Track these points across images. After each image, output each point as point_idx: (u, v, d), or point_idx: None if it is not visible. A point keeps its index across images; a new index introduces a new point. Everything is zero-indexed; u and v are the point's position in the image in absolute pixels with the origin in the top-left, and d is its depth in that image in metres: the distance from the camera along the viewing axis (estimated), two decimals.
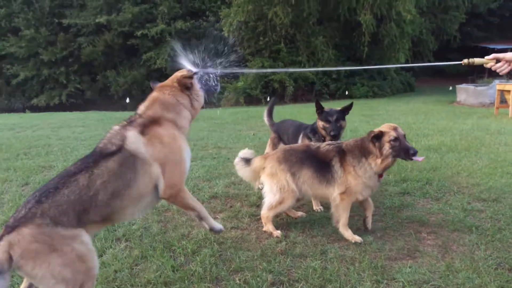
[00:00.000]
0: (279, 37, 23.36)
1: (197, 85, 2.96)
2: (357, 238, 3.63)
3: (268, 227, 3.86)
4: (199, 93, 2.97)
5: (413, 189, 5.00)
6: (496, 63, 3.02)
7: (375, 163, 3.61)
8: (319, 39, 23.01)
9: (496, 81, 17.81)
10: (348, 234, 3.70)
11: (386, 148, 3.55)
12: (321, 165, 3.79)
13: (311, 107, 17.73)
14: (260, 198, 4.63)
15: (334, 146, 3.85)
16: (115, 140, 2.44)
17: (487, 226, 3.89)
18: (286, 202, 3.86)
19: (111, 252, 3.39)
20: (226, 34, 24.21)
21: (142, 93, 28.29)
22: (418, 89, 28.65)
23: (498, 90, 14.28)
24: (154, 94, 2.83)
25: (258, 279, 2.96)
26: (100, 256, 3.35)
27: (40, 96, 28.94)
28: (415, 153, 3.57)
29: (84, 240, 2.13)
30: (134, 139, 2.45)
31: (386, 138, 3.57)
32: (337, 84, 24.48)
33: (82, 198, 2.18)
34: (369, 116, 13.05)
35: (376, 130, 3.68)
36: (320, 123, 4.54)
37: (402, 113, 14.29)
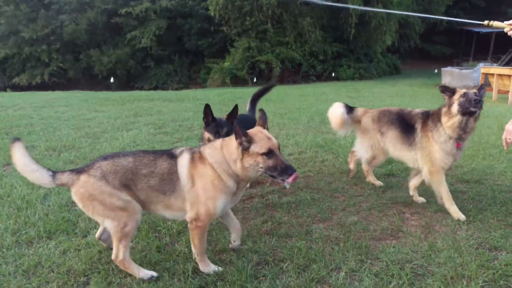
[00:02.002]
0: (266, 17, 23.10)
1: None
2: (461, 216, 3.67)
3: (369, 178, 4.61)
4: None
5: (398, 171, 5.06)
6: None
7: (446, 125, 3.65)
8: (306, 20, 22.83)
9: (481, 64, 18.00)
10: (452, 209, 3.75)
11: (455, 105, 3.58)
12: (407, 128, 4.00)
13: (297, 89, 17.72)
14: None
15: (423, 110, 4.02)
16: None
17: (469, 207, 3.96)
18: (378, 159, 4.45)
19: (95, 233, 3.36)
20: (212, 14, 23.86)
21: (126, 73, 27.88)
22: (404, 71, 28.78)
23: (483, 73, 14.45)
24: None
25: (243, 259, 2.97)
26: (84, 236, 3.33)
27: (21, 75, 28.21)
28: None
29: (125, 198, 2.62)
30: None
31: (456, 96, 3.60)
32: (323, 65, 24.43)
33: (134, 171, 2.68)
34: (355, 98, 13.08)
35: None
36: (207, 135, 3.66)
37: (388, 95, 14.36)
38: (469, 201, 4.12)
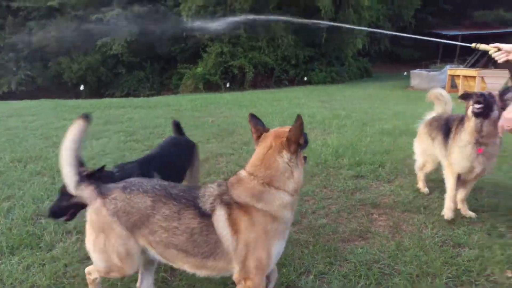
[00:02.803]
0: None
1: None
2: (447, 215, 3.74)
3: (419, 184, 4.57)
4: None
5: (366, 172, 5.13)
6: (497, 51, 3.18)
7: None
8: (279, 25, 22.98)
9: (448, 67, 18.51)
10: (447, 205, 3.79)
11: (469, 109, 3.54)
12: (448, 133, 3.98)
13: (270, 94, 17.80)
14: None
15: (461, 115, 3.88)
16: None
17: (434, 206, 4.06)
18: (427, 166, 4.49)
19: (61, 246, 3.29)
20: (185, 19, 23.75)
21: (97, 80, 27.40)
22: (375, 74, 29.30)
23: (449, 75, 14.85)
24: None
25: None
26: (49, 250, 3.25)
27: None
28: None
29: (132, 246, 2.27)
30: None
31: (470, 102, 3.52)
32: (296, 70, 24.62)
33: (146, 217, 2.23)
34: (327, 102, 13.24)
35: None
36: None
37: (359, 98, 14.58)
38: (434, 200, 4.23)
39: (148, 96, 21.84)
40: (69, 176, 2.33)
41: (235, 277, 2.20)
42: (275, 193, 2.14)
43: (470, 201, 4.13)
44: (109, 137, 7.25)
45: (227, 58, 22.96)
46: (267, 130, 2.29)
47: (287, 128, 2.19)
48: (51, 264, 3.01)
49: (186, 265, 2.26)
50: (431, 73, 18.90)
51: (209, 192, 2.22)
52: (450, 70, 15.41)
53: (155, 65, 28.17)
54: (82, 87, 18.24)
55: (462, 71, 14.49)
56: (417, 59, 31.27)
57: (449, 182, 3.85)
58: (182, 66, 25.41)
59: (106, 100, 15.09)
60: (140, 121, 9.06)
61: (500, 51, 3.16)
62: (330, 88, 19.75)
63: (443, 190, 4.43)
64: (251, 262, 2.13)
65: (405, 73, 23.06)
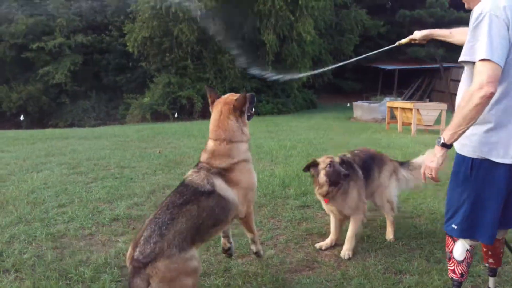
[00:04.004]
0: (185, 53, 23.28)
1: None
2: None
3: None
4: None
5: (312, 202, 5.26)
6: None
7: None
8: (226, 57, 23.35)
9: (387, 99, 19.52)
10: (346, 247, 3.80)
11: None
12: None
13: None
14: None
15: None
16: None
17: (377, 234, 4.23)
18: None
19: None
20: (130, 50, 23.57)
21: (39, 110, 26.32)
22: (320, 105, 30.28)
23: (388, 107, 15.65)
24: None
25: None
26: None
27: None
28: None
29: (197, 257, 2.59)
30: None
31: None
32: None
33: (195, 225, 2.59)
34: (274, 132, 13.50)
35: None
36: None
37: (304, 129, 14.99)
38: (377, 229, 4.41)
39: (93, 126, 21.25)
40: None
41: (241, 216, 2.98)
42: (239, 145, 2.92)
43: (409, 228, 4.35)
44: (51, 170, 6.97)
45: (175, 88, 22.91)
46: (219, 97, 3.07)
47: (235, 96, 2.97)
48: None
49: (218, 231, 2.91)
50: (372, 104, 19.82)
51: (198, 178, 2.77)
52: (388, 102, 16.25)
53: (101, 95, 27.55)
54: (22, 118, 17.42)
55: (400, 103, 15.34)
56: (358, 91, 32.73)
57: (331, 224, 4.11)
58: (129, 96, 25.03)
59: (48, 131, 14.55)
60: (84, 152, 8.80)
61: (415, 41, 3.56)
62: (277, 119, 20.17)
63: (383, 220, 4.65)
64: (249, 197, 2.98)
65: (348, 105, 24.05)
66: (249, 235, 3.21)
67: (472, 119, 2.23)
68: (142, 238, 2.46)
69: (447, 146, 2.37)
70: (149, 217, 2.67)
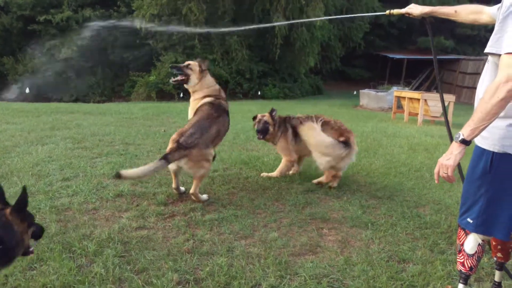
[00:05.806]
0: (193, 33, 23.09)
1: None
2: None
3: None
4: None
5: (316, 187, 5.25)
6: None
7: None
8: (234, 38, 23.17)
9: (394, 88, 19.37)
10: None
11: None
12: None
13: None
14: (169, 196, 4.56)
15: None
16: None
17: (381, 221, 4.21)
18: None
19: None
20: (138, 27, 23.39)
21: (44, 83, 26.23)
22: (326, 92, 30.13)
23: (395, 96, 15.52)
24: None
25: (163, 278, 2.90)
26: None
27: None
28: None
29: (212, 152, 4.49)
30: None
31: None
32: (250, 84, 24.84)
33: (218, 132, 4.61)
34: None
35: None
36: None
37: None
38: (381, 216, 4.39)
39: (98, 102, 21.22)
40: None
41: None
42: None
43: (414, 217, 4.33)
44: (56, 143, 6.96)
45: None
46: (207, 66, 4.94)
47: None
48: None
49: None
50: (379, 93, 19.68)
51: (223, 102, 4.91)
52: (396, 91, 16.10)
53: (107, 71, 27.43)
54: (27, 90, 17.38)
55: (407, 93, 15.19)
56: (366, 79, 32.52)
57: None
58: (135, 74, 24.93)
59: (53, 105, 14.50)
60: (89, 127, 8.77)
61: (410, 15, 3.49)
62: (282, 104, 20.06)
63: (388, 207, 4.64)
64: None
65: (355, 92, 23.93)
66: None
67: (495, 114, 2.12)
68: (188, 132, 4.28)
69: (466, 142, 2.22)
70: (192, 120, 4.54)
